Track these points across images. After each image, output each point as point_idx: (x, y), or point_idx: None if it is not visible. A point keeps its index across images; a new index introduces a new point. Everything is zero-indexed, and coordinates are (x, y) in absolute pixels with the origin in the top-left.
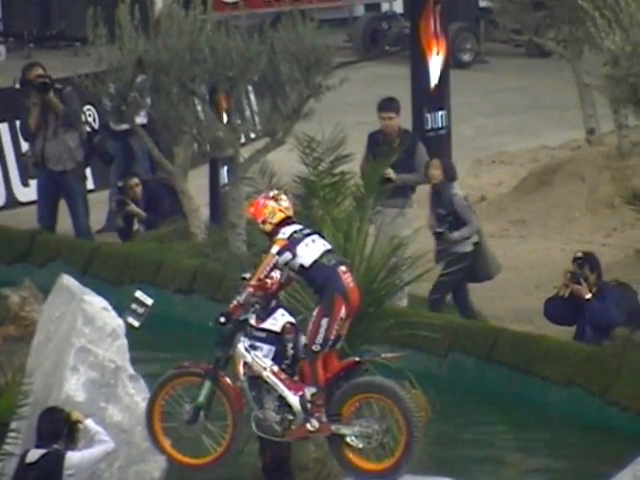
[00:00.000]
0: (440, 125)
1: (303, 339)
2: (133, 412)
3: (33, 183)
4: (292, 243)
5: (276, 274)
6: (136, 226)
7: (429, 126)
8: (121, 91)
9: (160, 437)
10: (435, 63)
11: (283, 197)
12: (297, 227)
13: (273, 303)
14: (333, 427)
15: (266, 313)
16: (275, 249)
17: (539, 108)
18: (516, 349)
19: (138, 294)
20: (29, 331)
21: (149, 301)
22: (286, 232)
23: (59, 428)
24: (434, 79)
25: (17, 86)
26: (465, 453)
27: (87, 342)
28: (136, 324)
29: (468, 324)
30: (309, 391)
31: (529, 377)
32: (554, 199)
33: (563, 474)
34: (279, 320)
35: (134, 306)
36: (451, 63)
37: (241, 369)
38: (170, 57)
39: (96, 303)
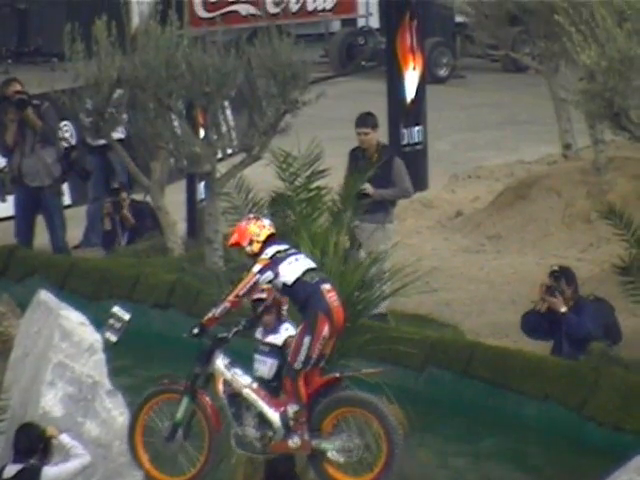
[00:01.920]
0: (416, 140)
1: None
2: (111, 427)
3: (10, 199)
4: (274, 262)
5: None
6: (118, 238)
7: (405, 141)
8: (98, 107)
9: (140, 451)
10: (411, 78)
11: (263, 218)
12: (281, 247)
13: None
14: (314, 442)
15: (272, 327)
16: (257, 268)
17: (515, 123)
18: (493, 363)
19: (115, 309)
20: (6, 347)
21: (127, 316)
22: (269, 252)
23: (35, 444)
24: (410, 94)
25: None
26: (440, 469)
27: (64, 357)
28: (114, 339)
29: (445, 339)
30: (291, 409)
31: (506, 391)
32: (530, 214)
33: None
34: (282, 334)
35: (111, 321)
36: (427, 78)
37: (220, 387)
38: (147, 73)
39: (73, 318)
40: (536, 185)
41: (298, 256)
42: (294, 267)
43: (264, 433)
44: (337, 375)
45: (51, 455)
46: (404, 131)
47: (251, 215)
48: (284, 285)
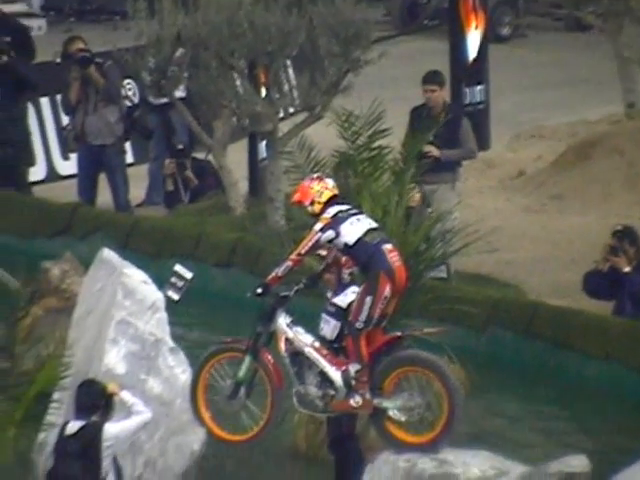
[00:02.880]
0: (478, 100)
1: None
2: (173, 384)
3: (74, 157)
4: (336, 221)
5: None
6: (181, 197)
7: (467, 101)
8: (160, 65)
9: (201, 409)
10: (474, 37)
11: (326, 178)
12: (343, 207)
13: (348, 279)
14: (376, 401)
15: (341, 288)
16: (318, 226)
17: (578, 82)
18: (554, 323)
19: (177, 268)
20: (70, 304)
21: (188, 275)
22: (331, 211)
23: (97, 400)
24: (472, 53)
25: (58, 60)
26: (503, 427)
27: (127, 315)
28: (176, 297)
29: (506, 298)
30: (353, 368)
31: (567, 351)
32: (593, 174)
33: (600, 448)
34: (348, 297)
35: (174, 280)
36: (490, 37)
37: (283, 345)
38: (209, 31)
39: (136, 276)
40: (599, 145)
41: (360, 216)
42: (355, 227)
43: (326, 392)
44: (399, 334)
45: (112, 412)
46: (466, 90)
47: (315, 175)
48: (345, 245)
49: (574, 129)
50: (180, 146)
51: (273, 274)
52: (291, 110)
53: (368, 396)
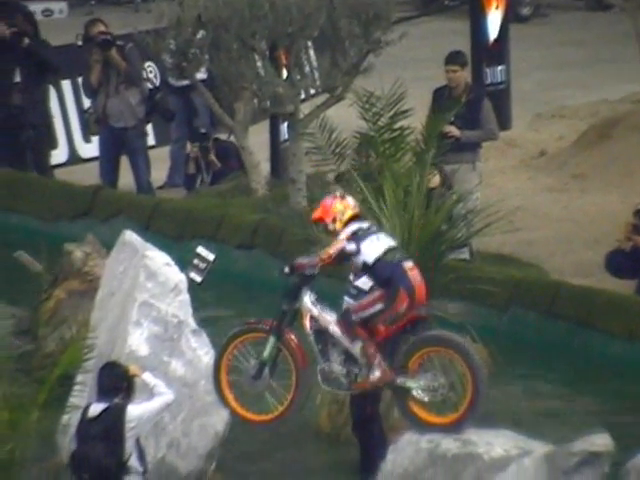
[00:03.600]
0: (499, 80)
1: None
2: (196, 366)
3: (95, 139)
4: (356, 239)
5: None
6: (202, 179)
7: (488, 81)
8: (181, 47)
9: (225, 390)
10: (494, 17)
11: (348, 197)
12: (363, 225)
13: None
14: (399, 380)
15: (362, 272)
16: (343, 235)
17: (599, 61)
18: (577, 303)
19: (200, 250)
20: (93, 286)
21: (211, 256)
22: (350, 229)
23: (119, 382)
24: (493, 34)
25: (79, 43)
26: (527, 407)
27: (150, 297)
28: (198, 279)
29: (528, 278)
30: (356, 346)
31: (590, 330)
32: (614, 153)
33: (626, 427)
34: (369, 281)
35: (196, 261)
36: (510, 17)
37: (307, 323)
38: (230, 13)
39: (158, 258)
40: (620, 124)
41: (379, 235)
42: (375, 246)
43: (350, 369)
44: (423, 314)
45: (134, 394)
46: (487, 71)
47: (337, 193)
48: (364, 264)
49: (595, 108)
50: (203, 130)
51: (301, 261)
52: (312, 91)
53: (384, 366)
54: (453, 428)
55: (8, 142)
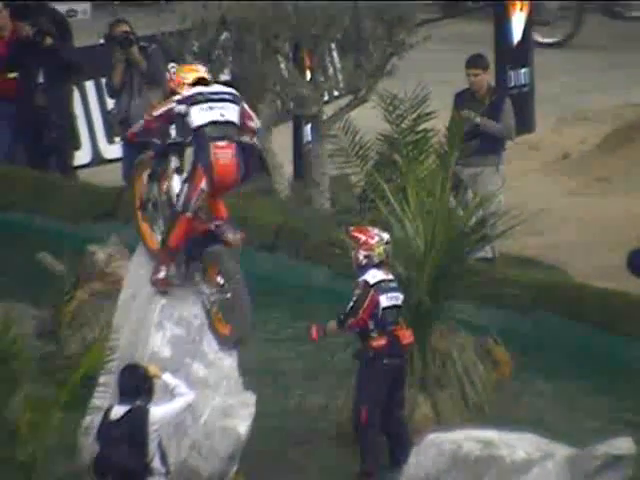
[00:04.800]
0: (523, 82)
1: (383, 301)
2: (218, 368)
3: (118, 140)
4: (190, 101)
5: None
6: None
7: (512, 83)
8: (205, 49)
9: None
10: (518, 20)
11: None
12: (204, 90)
13: (364, 261)
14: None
15: (360, 272)
16: (176, 97)
17: (623, 65)
18: (600, 306)
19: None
20: (115, 287)
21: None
22: (190, 92)
23: (141, 384)
24: (517, 36)
25: (101, 41)
26: (548, 409)
27: (172, 299)
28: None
29: (551, 281)
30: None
31: (613, 334)
32: (638, 156)
33: None
34: (362, 277)
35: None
36: (534, 19)
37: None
38: (254, 14)
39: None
40: None
41: (217, 104)
42: (203, 115)
43: None
44: (211, 227)
45: (153, 395)
46: (511, 73)
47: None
48: (191, 128)
49: (619, 111)
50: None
51: (132, 130)
52: (335, 93)
53: (162, 275)
54: (228, 341)
55: (31, 143)
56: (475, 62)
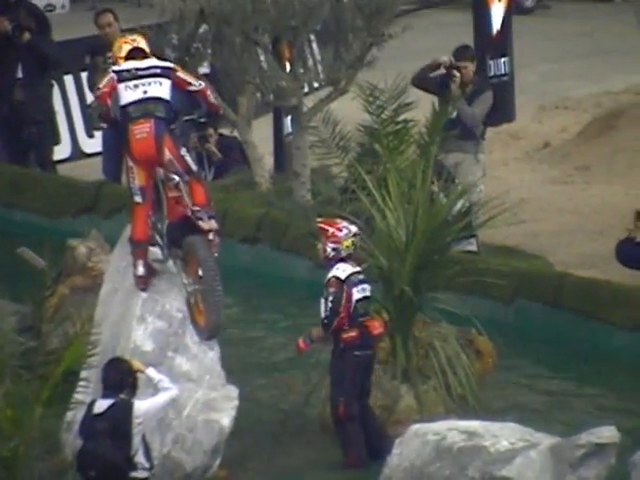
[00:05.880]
0: (503, 72)
1: (355, 293)
2: (201, 361)
3: (98, 134)
4: (118, 79)
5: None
6: (204, 174)
7: (492, 73)
8: (184, 42)
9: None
10: (497, 9)
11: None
12: (135, 65)
13: (332, 254)
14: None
15: (329, 265)
16: (112, 74)
17: (603, 53)
18: (582, 294)
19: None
20: (96, 282)
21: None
22: (121, 67)
23: (125, 378)
24: (496, 25)
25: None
26: (531, 399)
27: (154, 292)
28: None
29: (533, 270)
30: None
31: (595, 322)
32: (618, 144)
33: (629, 419)
34: (332, 272)
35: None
36: (513, 9)
37: None
38: (232, 7)
39: (162, 253)
40: (624, 115)
41: (143, 81)
42: (129, 93)
43: None
44: (187, 214)
45: (137, 390)
46: (490, 63)
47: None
48: (119, 105)
49: (599, 100)
50: (202, 119)
51: (92, 103)
52: (315, 85)
53: (141, 272)
54: (205, 332)
55: (11, 138)
56: (464, 53)
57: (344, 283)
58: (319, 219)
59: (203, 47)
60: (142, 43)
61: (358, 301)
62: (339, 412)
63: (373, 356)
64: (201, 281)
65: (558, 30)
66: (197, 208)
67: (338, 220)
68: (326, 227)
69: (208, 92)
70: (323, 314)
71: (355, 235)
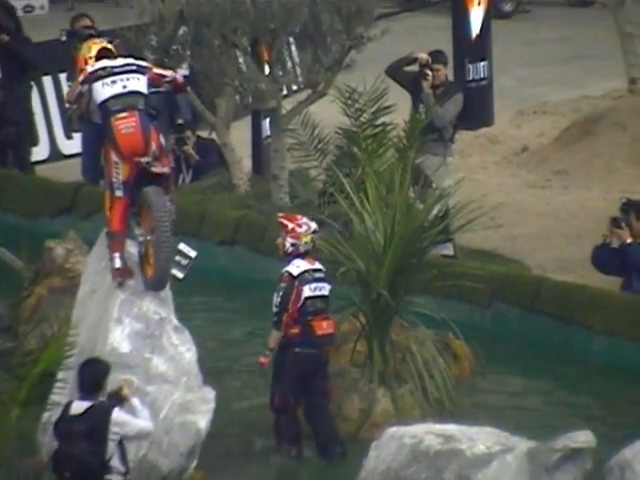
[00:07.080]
0: (482, 76)
1: (306, 291)
2: (178, 363)
3: (77, 136)
4: (92, 78)
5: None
6: (182, 177)
7: (471, 77)
8: (163, 43)
9: None
10: (476, 13)
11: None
12: (109, 64)
13: (290, 249)
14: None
15: (286, 261)
16: (80, 78)
17: (581, 58)
18: (559, 299)
19: (181, 246)
20: (74, 283)
21: (192, 253)
22: (93, 68)
23: (99, 379)
24: (475, 29)
25: (63, 38)
26: (508, 403)
27: (131, 294)
28: (180, 276)
29: (511, 274)
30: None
31: (571, 327)
32: (596, 149)
33: (605, 424)
34: (286, 267)
35: (178, 258)
36: (492, 13)
37: None
38: (211, 9)
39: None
40: (602, 120)
41: (120, 77)
42: (105, 90)
43: None
44: (147, 166)
45: (126, 403)
46: (469, 67)
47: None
48: (96, 104)
49: (577, 105)
50: (180, 121)
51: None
52: (294, 87)
53: (118, 264)
54: (149, 284)
55: None
56: (437, 58)
57: (296, 279)
58: (280, 214)
59: (182, 49)
60: (109, 46)
61: (308, 299)
62: (274, 404)
63: (319, 355)
64: (153, 232)
65: (537, 35)
66: (149, 159)
67: (299, 216)
68: (286, 222)
69: (178, 76)
70: (274, 308)
71: (315, 232)
